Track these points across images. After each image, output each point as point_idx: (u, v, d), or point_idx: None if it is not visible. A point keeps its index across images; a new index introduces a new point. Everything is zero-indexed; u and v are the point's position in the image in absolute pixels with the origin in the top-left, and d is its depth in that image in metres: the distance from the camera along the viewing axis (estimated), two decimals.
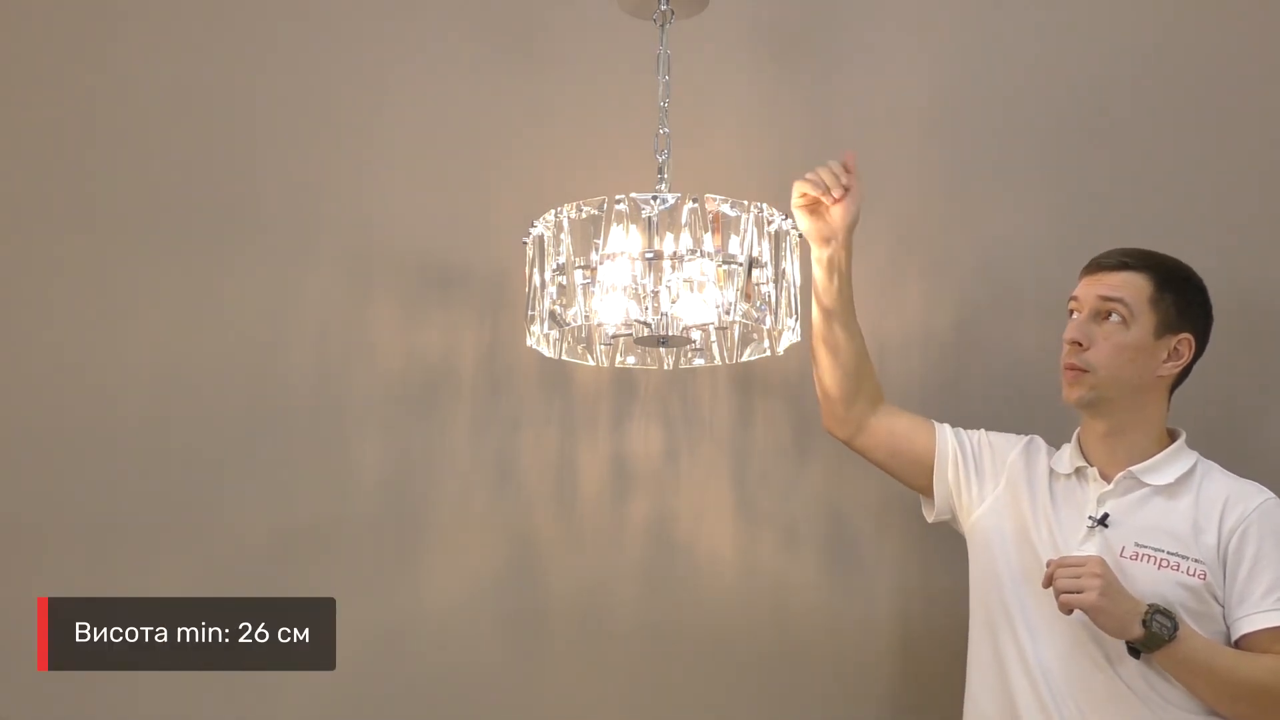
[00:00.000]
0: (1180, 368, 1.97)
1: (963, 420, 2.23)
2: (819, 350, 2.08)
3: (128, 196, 2.36)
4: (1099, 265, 1.98)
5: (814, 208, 2.01)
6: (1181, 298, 1.96)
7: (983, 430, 2.09)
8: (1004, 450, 2.06)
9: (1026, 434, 2.08)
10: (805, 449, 2.29)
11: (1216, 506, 1.91)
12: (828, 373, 2.08)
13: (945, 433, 2.08)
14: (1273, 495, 1.93)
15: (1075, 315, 1.97)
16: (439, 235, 2.35)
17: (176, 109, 2.39)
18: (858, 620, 2.24)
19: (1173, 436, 1.99)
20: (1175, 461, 1.96)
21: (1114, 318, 1.94)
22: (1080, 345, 1.94)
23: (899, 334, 2.29)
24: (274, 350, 2.32)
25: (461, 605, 2.27)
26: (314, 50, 2.41)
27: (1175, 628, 1.82)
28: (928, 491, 2.08)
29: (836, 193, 1.99)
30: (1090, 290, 1.96)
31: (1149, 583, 1.87)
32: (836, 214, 2.01)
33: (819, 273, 2.04)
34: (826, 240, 2.02)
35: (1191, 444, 1.99)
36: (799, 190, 1.99)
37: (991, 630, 1.96)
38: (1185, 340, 1.96)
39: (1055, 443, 2.04)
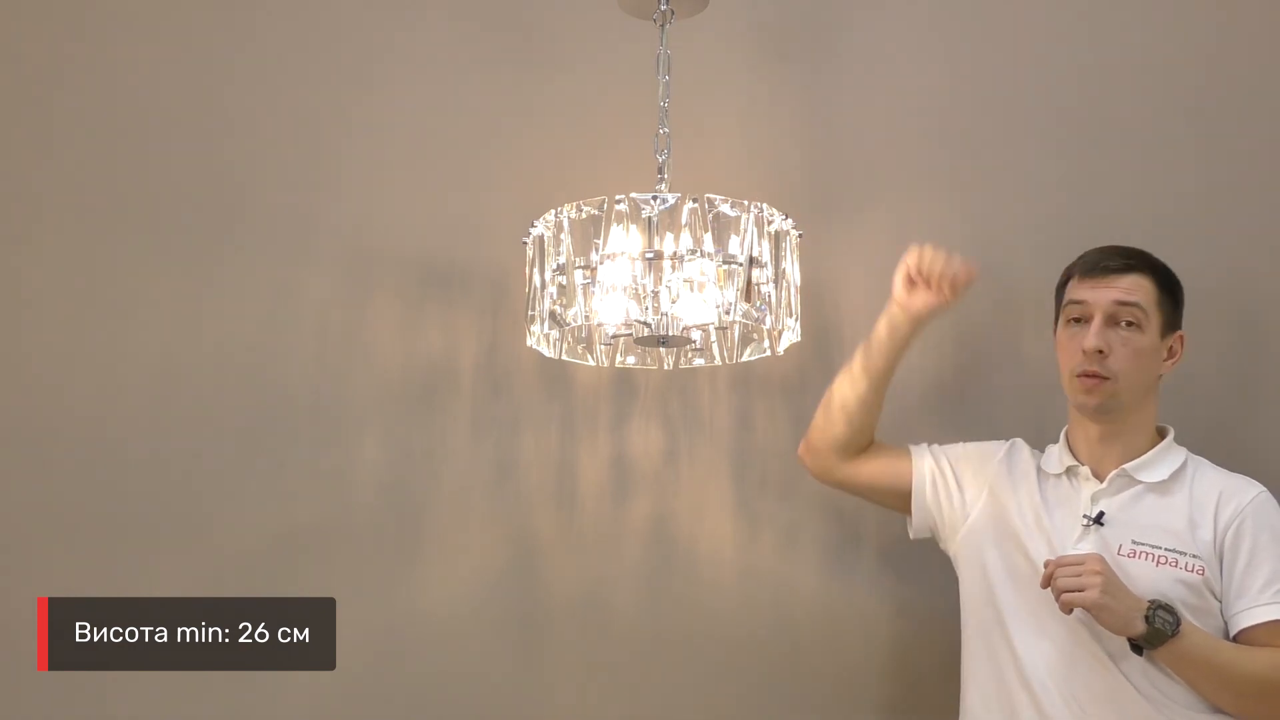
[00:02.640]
0: (1176, 364, 1.97)
1: (962, 419, 2.25)
2: (841, 399, 2.07)
3: (127, 197, 2.36)
4: (1104, 269, 1.96)
5: (912, 279, 2.01)
6: (1176, 296, 1.98)
7: (962, 443, 2.10)
8: (986, 459, 2.06)
9: (1013, 436, 2.09)
10: None
11: (1211, 502, 1.91)
12: (837, 424, 2.08)
13: (922, 456, 2.08)
14: (1264, 489, 1.93)
15: (1080, 321, 1.96)
16: (439, 235, 2.35)
17: (175, 109, 2.39)
18: (857, 620, 2.24)
19: (1161, 434, 2.00)
20: (1166, 458, 1.96)
21: (1129, 322, 1.93)
22: (1102, 353, 1.92)
23: None
24: (273, 350, 2.32)
25: (461, 605, 2.27)
26: (313, 50, 2.41)
27: (1177, 623, 1.82)
28: (907, 511, 2.09)
29: (932, 286, 2.00)
30: (1103, 295, 1.94)
31: (1148, 580, 1.87)
32: (920, 298, 2.02)
33: (882, 331, 2.05)
34: (904, 309, 2.02)
35: (1182, 444, 2.00)
36: (908, 261, 2.00)
37: (987, 642, 1.96)
38: (1179, 337, 1.98)
39: (1051, 442, 2.05)
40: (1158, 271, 1.96)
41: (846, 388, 2.08)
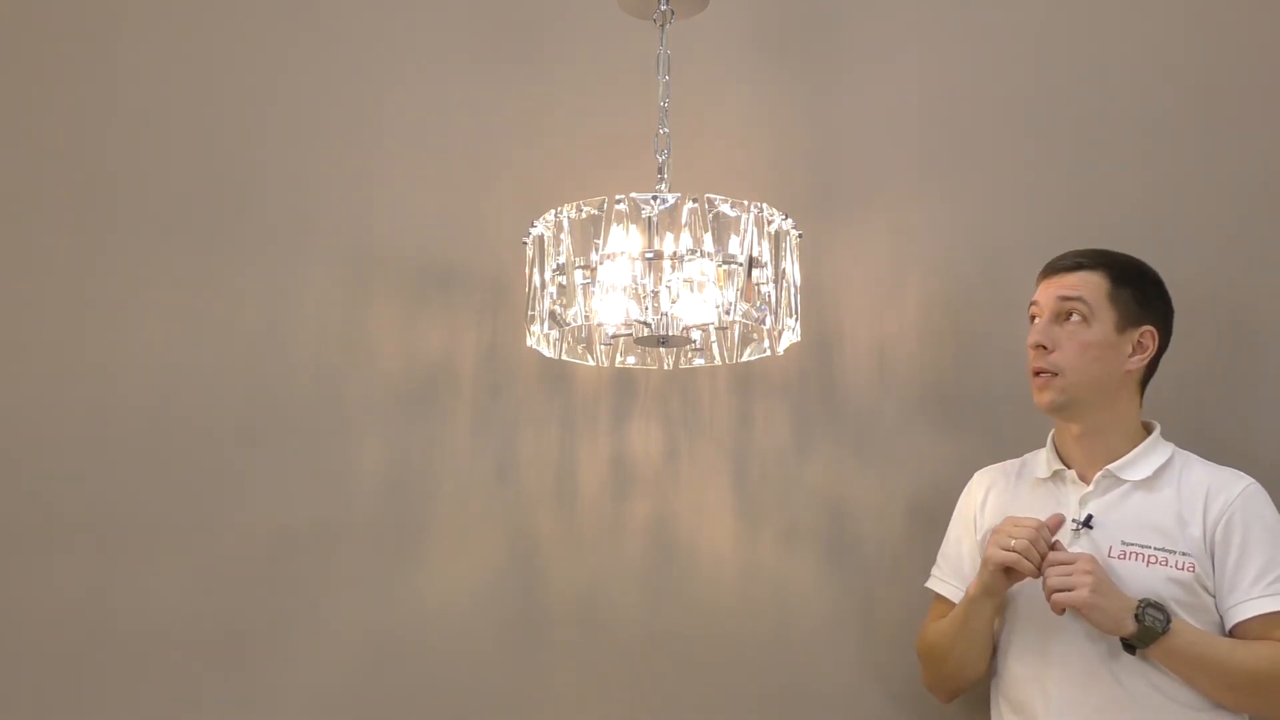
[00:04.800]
0: (1146, 360, 1.98)
1: (962, 419, 2.25)
2: (971, 667, 2.00)
3: (128, 196, 2.37)
4: (1054, 269, 1.99)
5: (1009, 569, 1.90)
6: (1139, 291, 1.98)
7: (944, 539, 2.10)
8: (970, 526, 2.07)
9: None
10: (805, 449, 2.29)
11: (1199, 496, 1.92)
12: (971, 676, 2.02)
13: (957, 595, 2.04)
14: (1253, 481, 1.94)
15: (1036, 320, 1.99)
16: (439, 235, 2.35)
17: (177, 109, 2.39)
18: (858, 620, 2.24)
19: (1148, 430, 2.00)
20: (1151, 454, 1.97)
21: (1075, 317, 1.95)
22: (1045, 348, 1.95)
23: (899, 334, 2.28)
24: (274, 350, 2.32)
25: (461, 605, 2.27)
26: (314, 50, 2.41)
27: (1168, 620, 1.83)
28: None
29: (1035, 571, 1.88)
30: (1050, 293, 1.98)
31: (1139, 581, 1.87)
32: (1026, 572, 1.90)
33: (976, 619, 1.95)
34: (999, 594, 1.94)
35: (1175, 439, 2.00)
36: (1004, 558, 1.88)
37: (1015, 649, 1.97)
38: (1148, 333, 1.97)
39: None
40: (1113, 268, 1.97)
41: (963, 660, 1.99)
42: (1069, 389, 1.94)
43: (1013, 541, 1.88)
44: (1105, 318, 1.95)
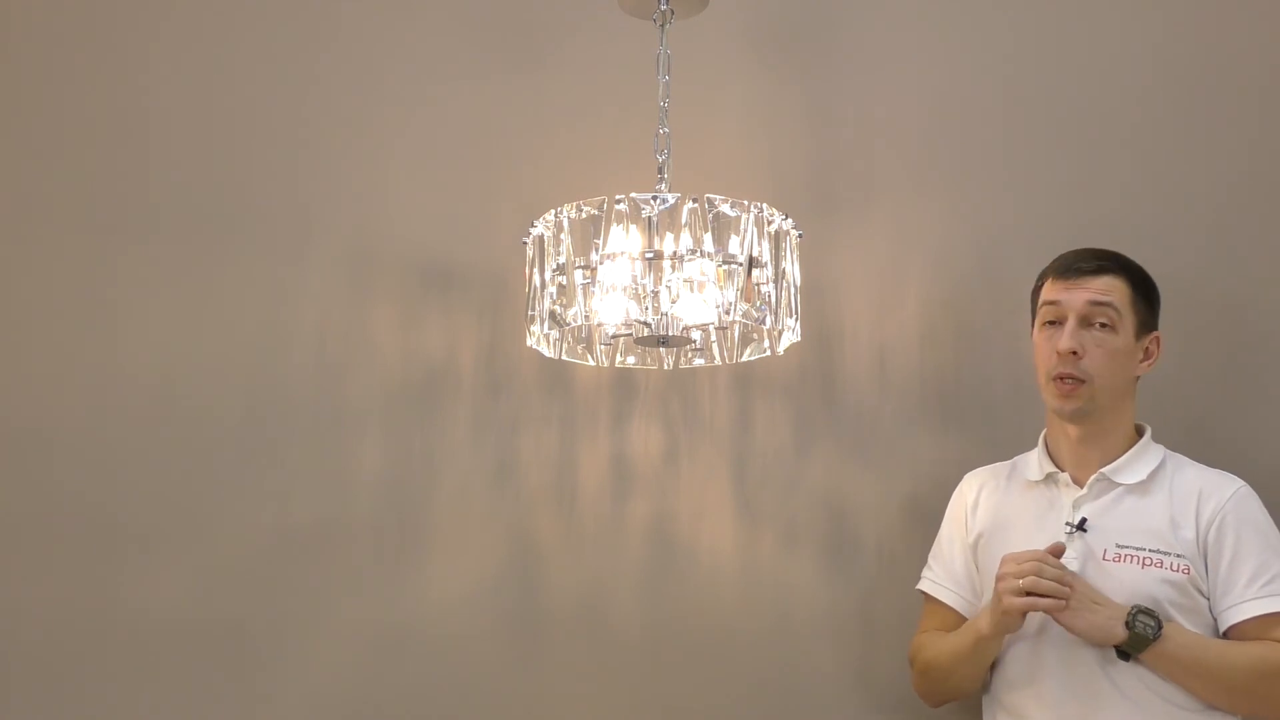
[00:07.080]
0: (1153, 365, 1.98)
1: (962, 419, 2.25)
2: (959, 688, 2.02)
3: (128, 196, 2.37)
4: (1077, 270, 1.95)
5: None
6: (1150, 297, 1.98)
7: (935, 542, 2.10)
8: (961, 528, 2.06)
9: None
10: (805, 449, 2.29)
11: (1191, 499, 1.92)
12: (942, 697, 2.06)
13: (952, 598, 2.05)
14: (1244, 484, 1.94)
15: (1055, 324, 1.95)
16: (439, 235, 2.35)
17: (177, 109, 2.39)
18: (858, 620, 2.24)
19: (1139, 432, 2.00)
20: (1144, 458, 1.96)
21: (1101, 324, 1.93)
22: (1076, 355, 1.92)
23: (899, 334, 2.28)
24: (274, 350, 2.33)
25: (461, 605, 2.27)
26: (314, 50, 2.41)
27: (1159, 626, 1.83)
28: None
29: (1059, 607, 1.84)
30: (1077, 296, 1.94)
31: (1134, 583, 1.87)
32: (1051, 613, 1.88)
33: (985, 654, 1.94)
34: (1009, 631, 1.91)
35: (1166, 442, 2.01)
36: (1023, 606, 1.84)
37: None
38: (1155, 339, 1.98)
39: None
40: (1131, 273, 1.97)
41: (963, 681, 1.99)
42: (1096, 396, 1.93)
43: (1021, 582, 1.82)
44: (1128, 325, 1.94)
